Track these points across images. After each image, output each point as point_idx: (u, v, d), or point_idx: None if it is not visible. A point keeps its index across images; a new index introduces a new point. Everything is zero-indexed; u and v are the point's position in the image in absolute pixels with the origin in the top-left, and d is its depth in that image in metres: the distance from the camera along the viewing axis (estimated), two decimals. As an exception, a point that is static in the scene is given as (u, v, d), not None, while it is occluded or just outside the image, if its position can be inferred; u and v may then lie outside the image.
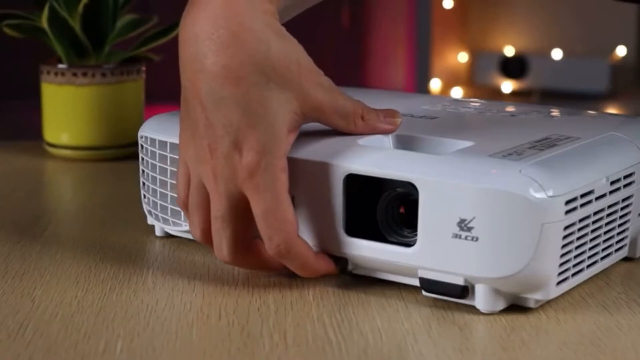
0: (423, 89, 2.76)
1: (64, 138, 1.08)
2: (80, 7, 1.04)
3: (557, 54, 2.94)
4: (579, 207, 0.63)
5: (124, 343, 0.60)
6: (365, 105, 0.70)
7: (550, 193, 0.61)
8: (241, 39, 0.64)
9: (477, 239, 0.62)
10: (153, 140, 0.76)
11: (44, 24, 1.05)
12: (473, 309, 0.65)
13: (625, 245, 0.71)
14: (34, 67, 1.11)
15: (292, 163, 0.67)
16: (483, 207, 0.62)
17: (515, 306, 0.66)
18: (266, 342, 0.60)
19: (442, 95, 2.57)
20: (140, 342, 0.60)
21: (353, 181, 0.66)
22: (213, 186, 0.66)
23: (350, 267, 0.69)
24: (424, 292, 0.65)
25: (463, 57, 3.04)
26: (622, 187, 0.68)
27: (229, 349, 0.59)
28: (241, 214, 0.66)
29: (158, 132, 0.76)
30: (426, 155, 0.66)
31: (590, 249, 0.66)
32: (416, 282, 0.66)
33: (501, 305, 0.64)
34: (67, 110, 1.08)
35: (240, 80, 0.64)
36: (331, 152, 0.67)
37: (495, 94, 2.93)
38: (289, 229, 0.65)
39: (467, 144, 0.67)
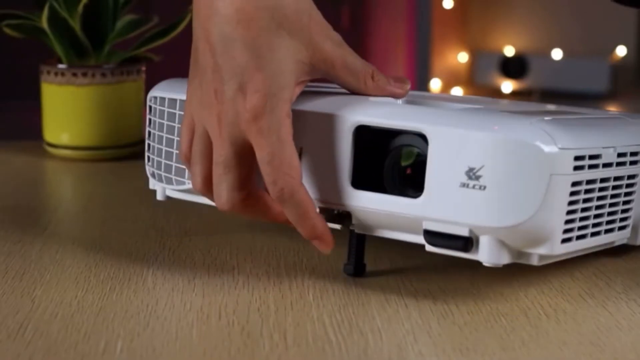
0: (423, 89, 2.76)
1: (64, 138, 1.08)
2: (80, 7, 1.04)
3: (557, 54, 2.94)
4: (586, 167, 0.64)
5: (124, 343, 0.60)
6: (375, 68, 0.70)
7: (560, 145, 0.62)
8: None
9: (484, 187, 0.62)
10: (163, 99, 0.77)
11: (44, 24, 1.05)
12: (473, 309, 0.65)
13: (627, 226, 0.71)
14: (34, 67, 1.11)
15: (302, 115, 0.67)
16: (493, 156, 0.62)
17: (516, 306, 0.66)
18: (266, 342, 0.60)
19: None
20: (140, 342, 0.60)
21: (362, 134, 0.66)
22: (217, 132, 0.66)
23: (353, 222, 0.68)
24: (427, 247, 0.65)
25: (463, 57, 3.04)
26: (628, 163, 0.68)
27: (229, 349, 0.59)
28: (243, 161, 0.66)
29: (168, 91, 0.77)
30: (437, 108, 0.66)
31: (595, 216, 0.67)
32: (420, 239, 0.66)
33: (505, 259, 0.64)
34: (67, 110, 1.08)
35: (252, 23, 0.64)
36: (342, 105, 0.67)
37: (495, 94, 2.93)
38: (293, 174, 0.65)
39: (476, 106, 0.68)
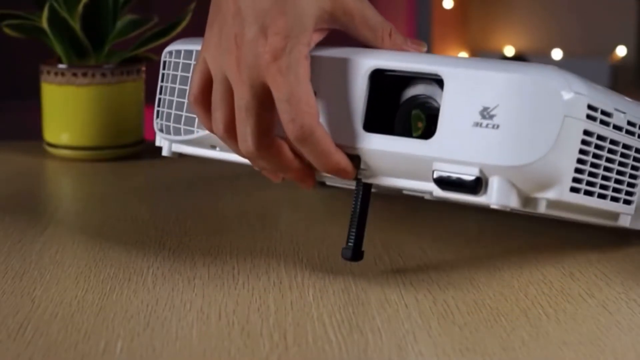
0: (423, 89, 2.76)
1: (64, 138, 1.08)
2: (80, 7, 1.04)
3: (557, 54, 2.94)
4: (598, 120, 0.64)
5: (124, 343, 0.60)
6: (393, 26, 0.70)
7: (575, 90, 0.62)
8: None
9: (498, 126, 0.62)
10: (178, 52, 0.77)
11: (44, 24, 1.05)
12: (473, 309, 0.65)
13: (632, 201, 0.71)
14: (34, 67, 1.11)
15: (318, 61, 0.68)
16: (508, 95, 0.62)
17: (516, 306, 0.66)
18: (266, 342, 0.60)
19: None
20: (140, 342, 0.60)
21: (377, 79, 0.67)
22: (237, 76, 0.66)
23: (362, 167, 0.68)
24: (435, 192, 0.65)
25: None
26: (637, 135, 0.69)
27: (229, 349, 0.59)
28: (264, 103, 0.66)
29: (185, 44, 0.77)
30: (452, 56, 0.66)
31: (603, 177, 0.67)
32: (429, 186, 0.65)
33: (514, 202, 0.63)
34: (67, 110, 1.08)
35: None
36: (357, 51, 0.68)
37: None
38: (311, 112, 0.65)
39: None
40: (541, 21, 3.00)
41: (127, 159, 1.08)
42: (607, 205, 0.69)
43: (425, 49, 0.71)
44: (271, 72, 0.65)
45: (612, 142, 0.67)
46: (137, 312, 0.64)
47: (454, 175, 0.63)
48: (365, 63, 0.67)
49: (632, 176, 0.70)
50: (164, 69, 0.79)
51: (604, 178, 0.67)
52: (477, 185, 0.63)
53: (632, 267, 0.74)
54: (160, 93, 0.79)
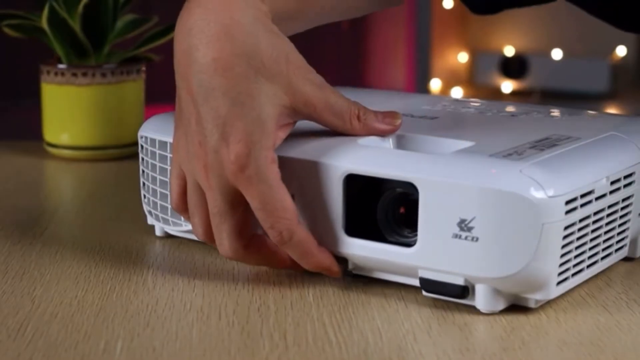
0: (423, 89, 2.76)
1: (64, 138, 1.08)
2: (80, 7, 1.04)
3: (557, 54, 2.94)
4: (579, 207, 0.63)
5: (124, 343, 0.60)
6: (362, 106, 0.69)
7: (551, 193, 0.61)
8: (231, 32, 0.65)
9: (477, 239, 0.62)
10: (153, 141, 0.76)
11: (44, 24, 1.05)
12: (473, 309, 0.65)
13: (625, 245, 0.71)
14: (34, 67, 1.11)
15: (291, 163, 0.67)
16: (483, 207, 0.62)
17: (516, 306, 0.66)
18: (266, 342, 0.60)
19: (442, 95, 2.57)
20: (140, 342, 0.60)
21: (353, 181, 0.66)
22: (206, 182, 0.66)
23: (350, 267, 0.69)
24: (424, 293, 0.65)
25: (463, 57, 3.04)
26: (622, 187, 0.68)
27: (229, 349, 0.59)
28: (237, 207, 0.66)
29: (158, 132, 0.76)
30: (426, 155, 0.66)
31: (591, 249, 0.66)
32: (416, 282, 0.66)
33: (501, 305, 0.64)
34: (67, 110, 1.08)
35: (229, 71, 0.64)
36: (331, 152, 0.67)
37: (495, 94, 2.93)
38: (289, 216, 0.65)
39: (467, 144, 0.67)
40: (541, 21, 2.99)
41: (128, 159, 1.08)
42: (599, 269, 0.69)
43: (400, 120, 0.69)
44: (241, 181, 0.64)
45: (596, 212, 0.66)
46: (137, 312, 0.64)
47: (440, 282, 0.64)
48: (339, 167, 0.66)
49: (621, 224, 0.69)
50: (141, 151, 0.78)
51: (592, 248, 0.67)
52: (464, 292, 0.64)
53: (632, 267, 0.74)
54: (143, 176, 0.78)
